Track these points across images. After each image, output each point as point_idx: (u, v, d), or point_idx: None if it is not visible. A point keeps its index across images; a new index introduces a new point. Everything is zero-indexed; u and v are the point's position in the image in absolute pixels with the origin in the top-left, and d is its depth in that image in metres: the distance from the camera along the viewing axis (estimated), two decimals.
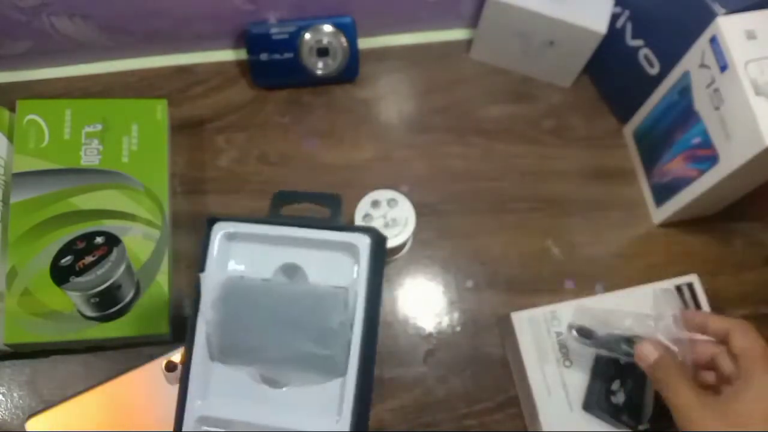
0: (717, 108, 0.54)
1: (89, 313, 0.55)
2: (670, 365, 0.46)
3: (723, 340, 0.48)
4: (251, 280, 0.47)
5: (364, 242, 0.47)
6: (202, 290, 0.46)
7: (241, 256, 0.48)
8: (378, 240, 0.47)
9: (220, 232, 0.47)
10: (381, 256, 0.47)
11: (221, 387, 0.46)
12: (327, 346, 0.44)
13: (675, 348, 0.48)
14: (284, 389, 0.46)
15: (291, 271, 0.48)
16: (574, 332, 0.55)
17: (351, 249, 0.47)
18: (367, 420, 0.46)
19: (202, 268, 0.46)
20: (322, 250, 0.47)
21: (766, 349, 0.45)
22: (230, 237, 0.48)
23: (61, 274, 0.55)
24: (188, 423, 0.45)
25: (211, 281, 0.46)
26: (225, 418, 0.45)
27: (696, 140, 0.58)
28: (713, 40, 0.54)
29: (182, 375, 0.45)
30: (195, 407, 0.45)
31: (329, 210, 0.51)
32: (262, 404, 0.46)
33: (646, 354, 0.47)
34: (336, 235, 0.47)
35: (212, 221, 0.47)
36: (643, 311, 0.52)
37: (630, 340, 0.52)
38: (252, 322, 0.45)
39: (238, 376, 0.46)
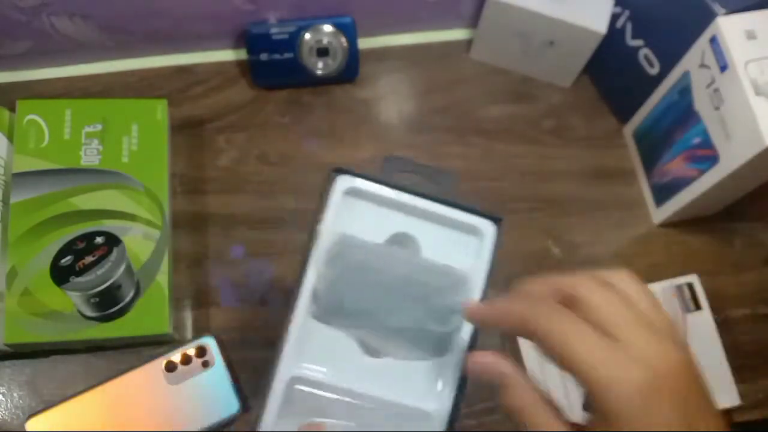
0: (717, 108, 0.54)
1: (89, 313, 0.55)
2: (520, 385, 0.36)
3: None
4: (370, 243, 0.44)
5: (490, 229, 0.45)
6: (317, 244, 0.43)
7: (357, 214, 0.46)
8: (500, 230, 0.45)
9: (343, 185, 0.45)
10: (499, 246, 0.46)
11: (318, 348, 0.44)
12: (445, 325, 0.42)
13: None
14: (383, 360, 0.44)
15: (405, 240, 0.46)
16: None
17: (475, 232, 0.45)
18: (460, 405, 0.44)
19: (317, 220, 0.44)
20: (441, 227, 0.46)
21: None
22: (351, 192, 0.46)
23: (61, 274, 0.55)
24: (281, 380, 0.44)
25: (328, 236, 0.44)
26: (318, 380, 0.44)
27: (696, 140, 0.58)
28: (713, 40, 0.54)
29: (282, 331, 0.43)
30: (290, 366, 0.43)
31: (440, 189, 0.48)
32: (358, 371, 0.44)
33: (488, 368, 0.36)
34: (461, 215, 0.45)
35: (338, 171, 0.45)
36: None
37: None
38: (367, 286, 0.43)
39: (337, 339, 0.44)
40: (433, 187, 0.49)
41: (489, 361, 0.36)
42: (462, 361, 0.43)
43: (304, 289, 0.44)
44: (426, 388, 0.44)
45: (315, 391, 0.45)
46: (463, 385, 0.44)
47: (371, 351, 0.45)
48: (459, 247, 0.46)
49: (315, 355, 0.44)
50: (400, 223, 0.46)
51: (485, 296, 0.44)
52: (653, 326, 0.32)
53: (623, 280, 0.36)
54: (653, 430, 0.30)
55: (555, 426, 0.34)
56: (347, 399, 0.44)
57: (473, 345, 0.44)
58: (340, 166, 0.45)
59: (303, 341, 0.44)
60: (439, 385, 0.43)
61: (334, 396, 0.44)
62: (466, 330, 0.43)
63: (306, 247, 0.44)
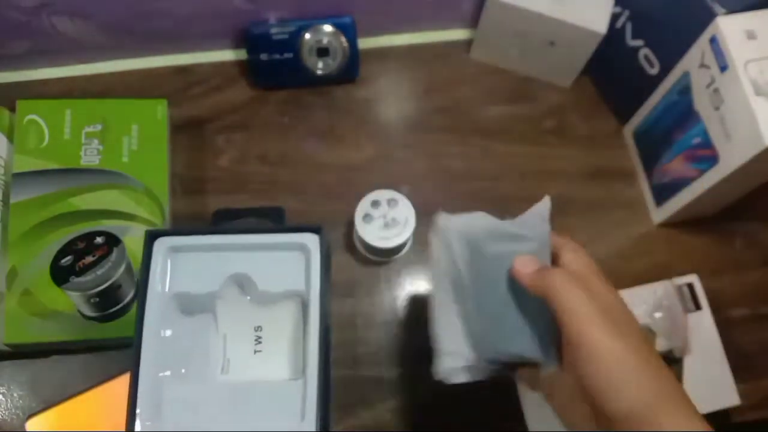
0: (717, 108, 0.54)
1: (89, 313, 0.55)
2: (556, 271, 0.40)
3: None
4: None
5: (314, 241, 0.46)
6: (147, 305, 0.45)
7: (188, 269, 0.47)
8: (325, 238, 0.46)
9: (162, 247, 0.46)
10: (329, 255, 0.47)
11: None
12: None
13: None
14: (244, 393, 0.45)
15: (241, 280, 0.48)
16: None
17: (302, 249, 0.46)
18: (328, 421, 0.46)
19: (143, 283, 0.45)
20: (270, 254, 0.47)
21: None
22: (175, 250, 0.47)
23: (61, 274, 0.55)
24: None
25: (156, 297, 0.45)
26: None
27: (696, 140, 0.58)
28: (713, 40, 0.54)
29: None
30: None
31: (272, 223, 0.51)
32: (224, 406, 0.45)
33: (525, 263, 0.41)
34: (283, 237, 0.46)
35: (153, 236, 0.46)
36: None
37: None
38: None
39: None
40: (268, 223, 0.52)
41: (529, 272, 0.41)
42: (320, 380, 0.44)
43: (143, 350, 0.45)
44: (289, 413, 0.45)
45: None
46: (325, 401, 0.45)
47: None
48: (293, 267, 0.47)
49: (163, 414, 0.45)
50: (232, 264, 0.47)
51: (326, 306, 0.45)
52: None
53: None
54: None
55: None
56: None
57: (328, 360, 0.46)
58: (154, 230, 0.47)
59: (150, 401, 0.45)
60: (302, 408, 0.44)
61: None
62: (314, 349, 0.45)
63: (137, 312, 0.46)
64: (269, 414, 0.45)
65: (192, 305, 0.47)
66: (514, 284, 0.42)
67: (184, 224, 0.62)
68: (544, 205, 0.46)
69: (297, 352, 0.47)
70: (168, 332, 0.46)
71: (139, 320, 0.45)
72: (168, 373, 0.46)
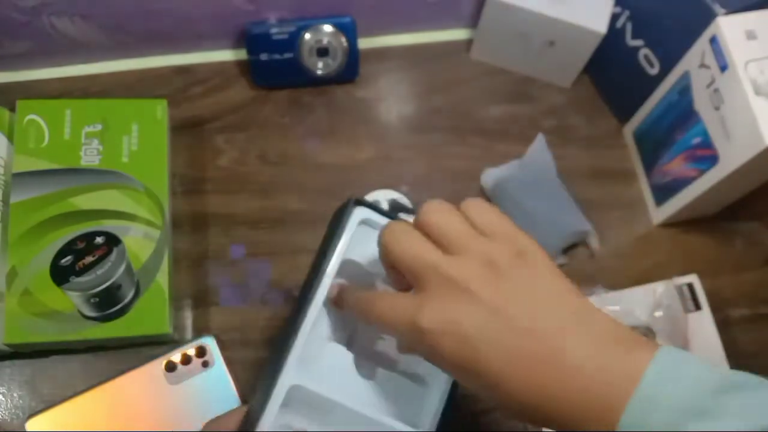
0: (717, 108, 0.54)
1: (89, 313, 0.55)
2: (351, 289, 0.42)
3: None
4: None
5: None
6: (329, 264, 0.46)
7: (367, 244, 0.47)
8: None
9: (359, 216, 0.47)
10: None
11: (321, 362, 0.46)
12: None
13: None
14: (377, 380, 0.46)
15: None
16: None
17: None
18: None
19: (331, 243, 0.46)
20: None
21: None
22: (364, 223, 0.47)
23: (61, 274, 0.55)
24: (282, 386, 0.44)
25: (338, 259, 0.46)
26: (317, 392, 0.44)
27: (696, 140, 0.58)
28: (713, 40, 0.54)
29: (286, 337, 0.44)
30: (292, 375, 0.44)
31: None
32: (353, 389, 0.46)
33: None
34: None
35: (357, 203, 0.47)
36: None
37: None
38: None
39: (339, 354, 0.46)
40: None
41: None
42: (448, 386, 0.45)
43: (316, 299, 0.45)
44: (414, 412, 0.45)
45: (311, 401, 0.46)
46: (448, 409, 0.45)
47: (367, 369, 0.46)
48: None
49: (317, 367, 0.45)
50: None
51: None
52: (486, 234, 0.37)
53: (468, 204, 0.40)
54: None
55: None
56: (341, 414, 0.45)
57: None
58: (359, 197, 0.47)
59: (307, 353, 0.45)
60: (426, 410, 0.45)
61: (328, 409, 0.45)
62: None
63: (315, 264, 0.46)
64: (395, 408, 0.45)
65: (355, 276, 0.48)
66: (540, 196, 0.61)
67: (183, 223, 0.62)
68: (539, 140, 0.64)
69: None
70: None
71: (312, 279, 0.46)
72: (325, 335, 0.47)
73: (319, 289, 0.45)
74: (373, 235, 0.46)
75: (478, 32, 0.70)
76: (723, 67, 0.53)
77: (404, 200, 0.61)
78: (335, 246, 0.46)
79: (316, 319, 0.45)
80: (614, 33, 0.64)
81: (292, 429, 0.44)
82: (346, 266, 0.47)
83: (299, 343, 0.44)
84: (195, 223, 0.63)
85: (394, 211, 0.56)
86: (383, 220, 0.47)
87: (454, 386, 0.45)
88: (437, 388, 0.46)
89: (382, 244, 0.39)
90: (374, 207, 0.47)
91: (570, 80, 0.71)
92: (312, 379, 0.44)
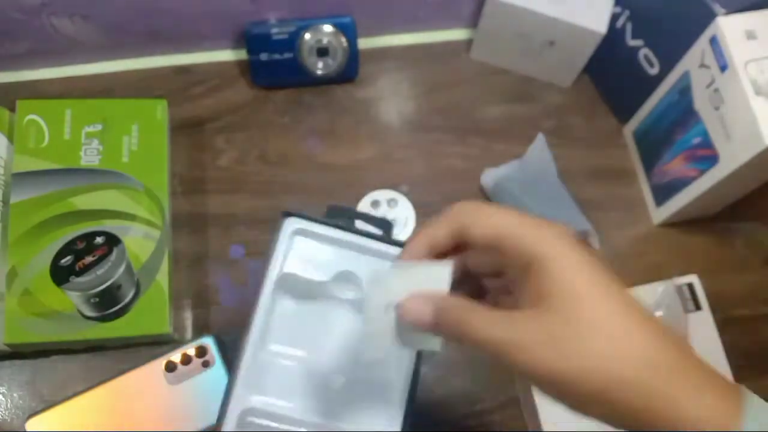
0: (717, 108, 0.54)
1: (89, 313, 0.55)
2: (452, 307, 0.33)
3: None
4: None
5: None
6: (267, 280, 0.49)
7: (306, 254, 0.50)
8: None
9: (291, 227, 0.49)
10: None
11: (271, 379, 0.48)
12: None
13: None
14: (335, 392, 0.48)
15: (349, 277, 0.50)
16: None
17: None
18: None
19: (267, 258, 0.49)
20: (377, 262, 0.49)
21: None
22: (299, 233, 0.50)
23: (61, 274, 0.55)
24: (233, 412, 0.47)
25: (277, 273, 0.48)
26: (271, 412, 0.47)
27: (696, 140, 0.58)
28: (713, 40, 0.54)
29: (235, 361, 0.48)
30: (241, 398, 0.47)
31: (381, 232, 0.53)
32: (310, 402, 0.48)
33: (418, 314, 0.33)
34: (395, 250, 0.49)
35: (286, 214, 0.49)
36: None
37: None
38: None
39: (289, 369, 0.49)
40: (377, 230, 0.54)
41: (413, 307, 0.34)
42: (407, 388, 0.47)
43: (255, 320, 0.48)
44: (374, 420, 0.47)
45: (268, 423, 0.46)
46: (409, 413, 0.47)
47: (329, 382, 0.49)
48: None
49: (268, 386, 0.46)
50: (344, 261, 0.50)
51: None
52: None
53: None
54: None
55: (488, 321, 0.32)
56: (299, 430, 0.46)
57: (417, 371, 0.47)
58: (289, 210, 0.50)
59: (255, 372, 0.46)
60: (388, 415, 0.47)
61: (287, 428, 0.47)
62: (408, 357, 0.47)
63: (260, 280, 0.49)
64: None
65: (296, 289, 0.49)
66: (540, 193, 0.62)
67: (183, 223, 0.62)
68: (539, 140, 0.64)
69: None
70: (275, 309, 0.49)
71: (258, 294, 0.48)
72: (273, 347, 0.49)
73: (256, 308, 0.48)
74: (313, 245, 0.49)
75: (478, 32, 0.70)
76: (723, 67, 0.53)
77: (405, 201, 0.61)
78: (268, 262, 0.48)
79: (263, 334, 0.47)
80: (614, 33, 0.64)
81: None
82: (287, 281, 0.49)
83: (244, 365, 0.47)
84: (195, 223, 0.63)
85: (333, 214, 0.56)
86: (320, 228, 0.50)
87: (413, 387, 0.46)
88: (398, 392, 0.47)
89: (460, 215, 0.34)
90: (304, 216, 0.50)
91: (570, 80, 0.71)
92: (263, 400, 0.45)
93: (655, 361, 0.30)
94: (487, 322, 0.31)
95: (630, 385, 0.29)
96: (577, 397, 0.31)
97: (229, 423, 0.45)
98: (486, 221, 0.34)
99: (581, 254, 0.31)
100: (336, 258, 0.50)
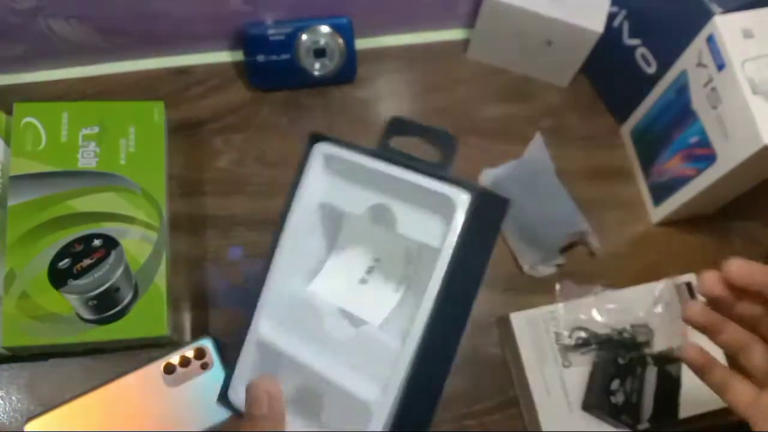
0: (714, 107, 0.54)
1: (87, 315, 0.55)
2: (721, 367, 0.43)
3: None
4: None
5: (461, 199, 0.41)
6: (295, 210, 0.44)
7: (336, 183, 0.45)
8: (483, 200, 0.41)
9: (322, 152, 0.44)
10: (484, 219, 0.41)
11: (287, 313, 0.45)
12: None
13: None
14: (344, 339, 0.43)
15: (383, 212, 0.44)
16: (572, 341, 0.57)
17: (447, 204, 0.41)
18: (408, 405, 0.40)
19: (296, 186, 0.44)
20: (418, 197, 0.43)
21: None
22: (330, 160, 0.45)
23: (59, 277, 0.55)
24: (251, 340, 0.44)
25: (307, 204, 0.45)
26: (280, 348, 0.44)
27: (694, 139, 0.58)
28: (710, 39, 0.54)
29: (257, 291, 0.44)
30: (259, 328, 0.45)
31: (442, 152, 0.46)
32: (317, 345, 0.43)
33: (694, 359, 0.43)
34: (433, 184, 0.42)
35: (315, 139, 0.45)
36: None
37: (624, 345, 0.53)
38: None
39: (305, 306, 0.45)
40: (434, 150, 0.46)
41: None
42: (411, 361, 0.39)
43: (278, 254, 0.44)
44: (372, 380, 0.41)
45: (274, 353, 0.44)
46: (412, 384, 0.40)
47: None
48: (435, 218, 0.42)
49: (283, 319, 0.44)
50: (378, 193, 0.44)
51: (453, 272, 0.40)
52: None
53: None
54: None
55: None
56: (301, 372, 0.43)
57: (437, 345, 0.41)
58: (320, 133, 0.45)
59: (274, 304, 0.44)
60: (386, 381, 0.39)
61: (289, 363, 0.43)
62: (422, 316, 0.39)
63: (282, 212, 0.45)
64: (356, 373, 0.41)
65: (330, 216, 0.46)
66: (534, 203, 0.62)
67: (181, 225, 0.62)
68: (537, 140, 0.65)
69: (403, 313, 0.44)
70: (301, 239, 0.45)
71: (280, 227, 0.44)
72: (294, 277, 0.45)
73: (283, 236, 0.43)
74: (344, 174, 0.44)
75: (476, 32, 0.70)
76: (720, 66, 0.53)
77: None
78: (300, 187, 0.44)
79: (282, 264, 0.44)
80: (611, 32, 0.64)
81: None
82: (320, 212, 0.45)
83: (266, 296, 0.44)
84: (193, 225, 0.63)
85: (395, 128, 0.48)
86: (350, 155, 0.44)
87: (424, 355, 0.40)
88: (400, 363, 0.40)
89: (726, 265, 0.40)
90: (335, 140, 0.45)
91: (567, 80, 0.71)
92: (275, 332, 0.43)
93: None
94: (742, 394, 0.41)
95: None
96: None
97: (248, 351, 0.44)
98: None
99: None
100: (371, 190, 0.44)
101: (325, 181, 0.45)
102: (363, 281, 0.46)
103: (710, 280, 0.41)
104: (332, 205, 0.45)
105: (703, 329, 0.43)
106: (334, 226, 0.47)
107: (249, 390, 0.41)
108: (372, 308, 0.44)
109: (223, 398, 0.44)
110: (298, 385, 0.43)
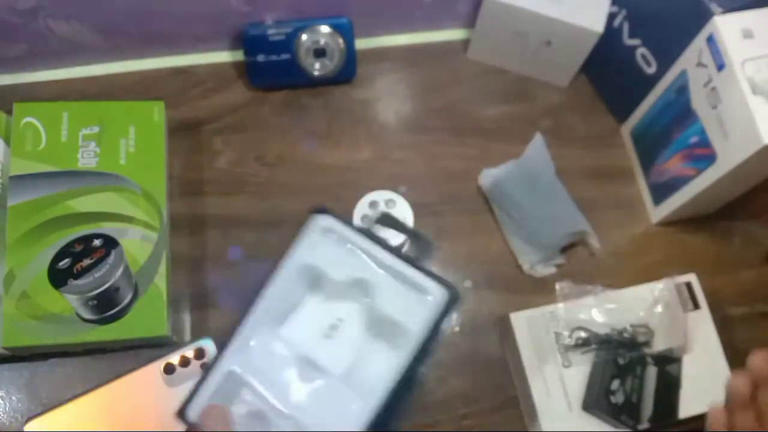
0: (714, 107, 0.54)
1: (87, 315, 0.55)
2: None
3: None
4: None
5: (442, 294, 0.48)
6: (284, 267, 0.50)
7: (327, 252, 0.51)
8: (453, 299, 0.49)
9: (321, 223, 0.51)
10: (447, 315, 0.49)
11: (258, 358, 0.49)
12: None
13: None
14: (313, 386, 0.49)
15: (364, 285, 0.50)
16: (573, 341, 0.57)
17: (427, 294, 0.49)
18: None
19: (290, 248, 0.51)
20: (399, 281, 0.50)
21: None
22: (327, 230, 0.51)
23: (59, 277, 0.55)
24: (220, 371, 0.48)
25: (295, 265, 0.50)
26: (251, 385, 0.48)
27: (693, 139, 0.58)
28: (710, 39, 0.54)
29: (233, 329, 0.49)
30: (230, 361, 0.49)
31: (417, 251, 0.56)
32: (289, 393, 0.49)
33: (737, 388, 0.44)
34: (420, 276, 0.49)
35: (318, 211, 0.51)
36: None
37: (624, 345, 0.53)
38: None
39: (276, 357, 0.50)
40: (412, 250, 0.56)
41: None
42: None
43: (260, 299, 0.49)
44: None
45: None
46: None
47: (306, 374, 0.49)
48: (412, 304, 0.49)
49: (254, 364, 0.49)
50: (363, 268, 0.51)
51: (419, 359, 0.48)
52: None
53: None
54: None
55: None
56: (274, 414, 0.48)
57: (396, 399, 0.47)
58: (322, 206, 0.51)
59: (246, 346, 0.49)
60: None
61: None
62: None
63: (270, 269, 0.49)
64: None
65: (313, 279, 0.51)
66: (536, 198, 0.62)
67: (181, 225, 0.62)
68: (537, 140, 0.64)
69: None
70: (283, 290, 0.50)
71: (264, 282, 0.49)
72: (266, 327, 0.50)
73: (268, 289, 0.49)
74: (335, 244, 0.50)
75: (475, 32, 0.70)
76: (720, 66, 0.53)
77: (403, 201, 0.61)
78: (293, 250, 0.50)
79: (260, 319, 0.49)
80: (611, 32, 0.64)
81: None
82: (305, 272, 0.50)
83: (238, 337, 0.49)
84: (193, 225, 0.63)
85: (384, 222, 0.57)
86: (345, 231, 0.50)
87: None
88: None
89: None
90: (339, 217, 0.51)
91: (567, 80, 0.71)
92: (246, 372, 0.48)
93: None
94: None
95: None
96: None
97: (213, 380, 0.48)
98: None
99: None
100: (356, 264, 0.51)
101: (318, 247, 0.51)
102: (327, 336, 0.51)
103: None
104: (318, 268, 0.51)
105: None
106: (315, 285, 0.52)
107: (204, 411, 0.46)
108: (332, 359, 0.50)
109: (180, 413, 0.47)
110: (254, 411, 0.48)
